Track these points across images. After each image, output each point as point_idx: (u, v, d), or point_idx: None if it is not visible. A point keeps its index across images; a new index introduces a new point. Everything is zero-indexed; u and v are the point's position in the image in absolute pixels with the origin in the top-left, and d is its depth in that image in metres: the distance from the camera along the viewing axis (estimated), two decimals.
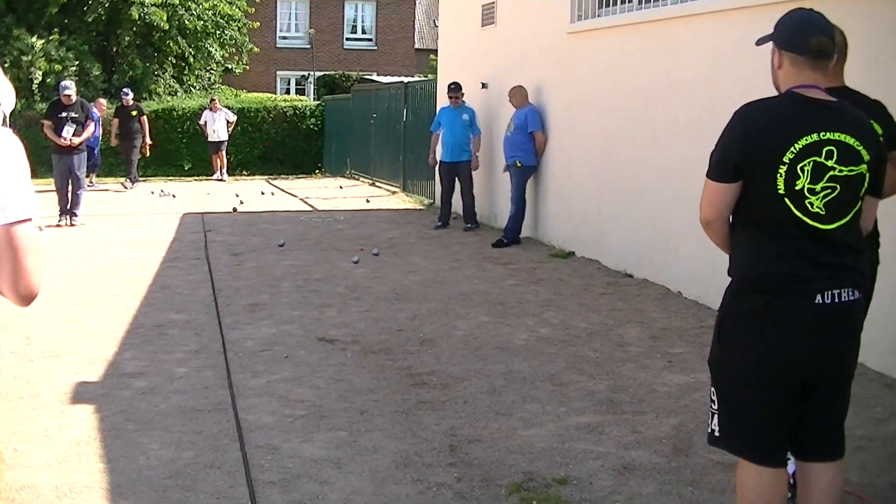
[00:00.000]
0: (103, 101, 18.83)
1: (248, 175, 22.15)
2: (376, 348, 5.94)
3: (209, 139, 19.96)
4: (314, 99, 29.57)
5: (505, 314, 6.93)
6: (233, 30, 25.91)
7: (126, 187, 17.51)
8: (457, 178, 11.63)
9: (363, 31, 36.30)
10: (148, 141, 17.86)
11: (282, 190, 18.13)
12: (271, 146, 23.23)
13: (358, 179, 20.16)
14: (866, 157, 2.66)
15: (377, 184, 18.61)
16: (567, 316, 6.88)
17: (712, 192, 2.75)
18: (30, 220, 1.97)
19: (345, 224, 12.46)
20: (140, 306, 7.20)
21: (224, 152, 20.13)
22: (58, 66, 21.59)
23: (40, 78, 21.28)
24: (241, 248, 10.21)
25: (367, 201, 15.57)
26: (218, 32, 25.55)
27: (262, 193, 17.07)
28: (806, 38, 2.69)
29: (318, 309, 7.09)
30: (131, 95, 17.86)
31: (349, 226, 12.25)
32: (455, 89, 11.59)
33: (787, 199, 2.62)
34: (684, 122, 7.54)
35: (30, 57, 21.43)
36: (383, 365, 5.56)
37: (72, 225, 11.88)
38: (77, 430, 4.42)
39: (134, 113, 17.61)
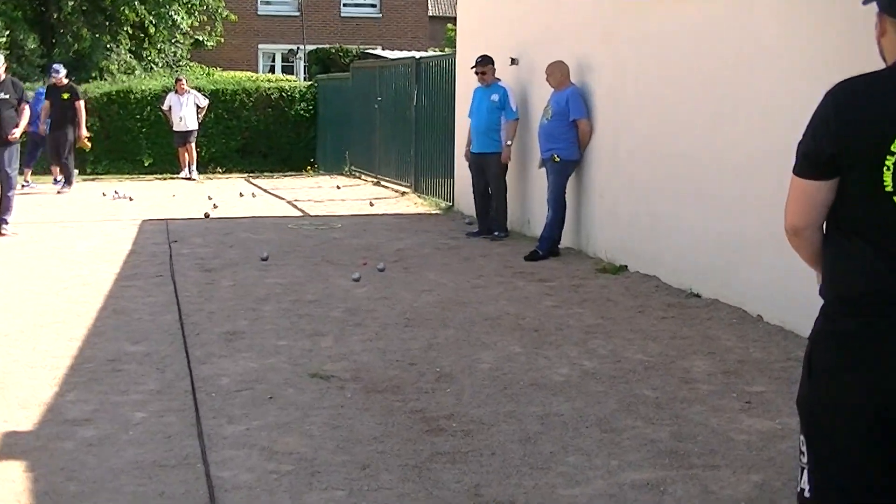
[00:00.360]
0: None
1: (224, 172, 22.35)
2: (382, 386, 5.94)
3: (175, 128, 20.10)
4: (305, 79, 29.74)
5: (541, 343, 6.94)
6: None
7: (60, 190, 17.29)
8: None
9: None
10: (84, 132, 17.57)
11: (265, 191, 18.21)
12: (252, 137, 23.41)
13: (359, 177, 20.24)
14: None
15: (383, 183, 18.67)
16: (618, 345, 6.88)
17: (801, 192, 2.72)
18: None
19: (343, 232, 12.48)
20: (87, 336, 7.22)
21: (193, 145, 20.29)
22: None
23: None
24: (214, 262, 10.26)
25: (371, 204, 15.63)
26: None
27: (241, 195, 17.17)
28: None
29: (311, 338, 7.11)
30: (63, 73, 17.44)
31: (349, 234, 12.27)
32: (483, 63, 11.66)
33: (895, 199, 2.59)
34: (761, 106, 7.53)
35: None
36: (391, 407, 5.56)
37: (1, 234, 11.92)
38: (4, 492, 4.39)
39: (66, 96, 17.23)
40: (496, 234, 11.68)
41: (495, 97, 11.58)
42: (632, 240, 9.52)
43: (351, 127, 21.06)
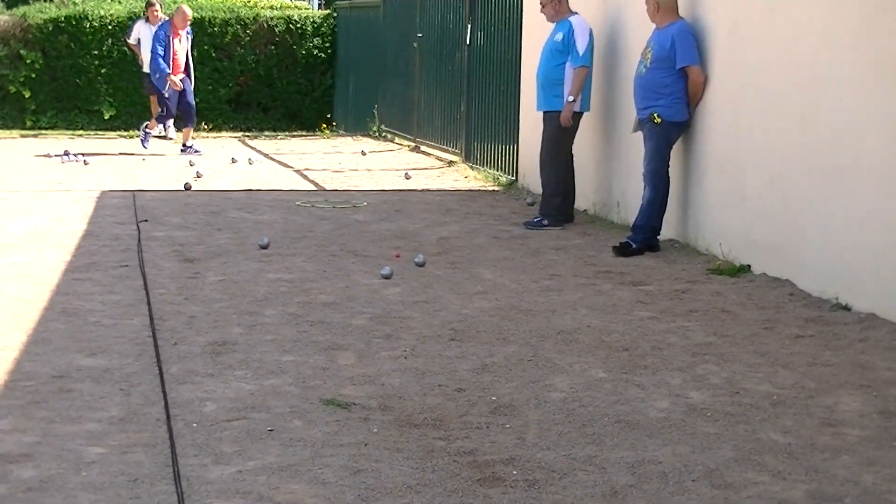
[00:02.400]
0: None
1: (212, 130, 22.41)
2: (420, 419, 5.95)
3: (145, 69, 20.09)
4: (320, 6, 29.73)
5: (632, 367, 6.93)
6: None
7: None
8: None
9: None
10: None
11: (266, 156, 18.24)
12: (249, 84, 23.40)
13: (392, 141, 20.22)
14: None
15: (423, 149, 18.67)
16: (737, 372, 6.84)
17: None
18: None
19: (370, 214, 12.50)
20: (27, 344, 7.25)
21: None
22: None
23: None
24: (197, 250, 10.32)
25: (407, 177, 15.67)
26: None
27: (234, 161, 17.25)
28: None
29: (325, 353, 7.14)
30: None
31: (377, 217, 12.30)
32: None
33: None
34: None
35: None
36: (431, 447, 5.56)
37: None
38: None
39: None
40: (537, 220, 11.81)
41: (559, 35, 11.65)
42: (759, 230, 9.47)
43: (381, 73, 21.04)
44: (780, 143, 9.23)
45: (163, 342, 7.30)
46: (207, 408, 6.08)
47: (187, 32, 18.65)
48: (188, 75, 18.48)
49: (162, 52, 17.99)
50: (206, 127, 22.16)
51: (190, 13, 18.75)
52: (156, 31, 18.52)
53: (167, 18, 18.88)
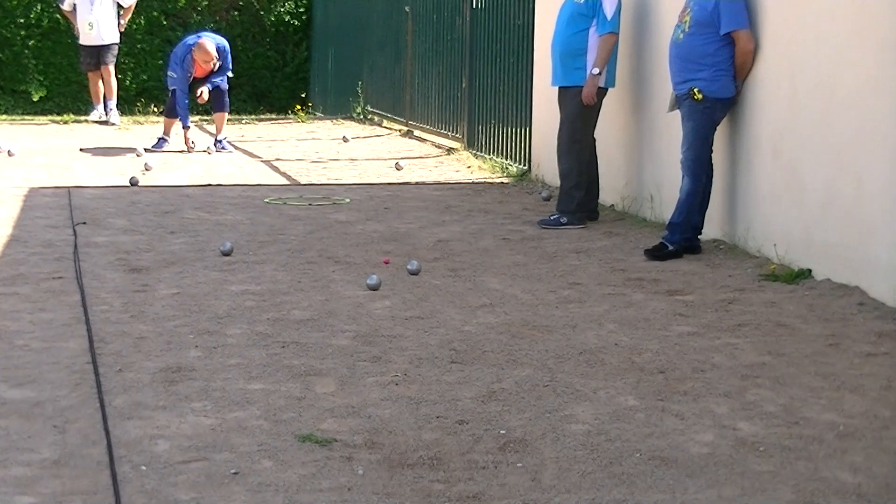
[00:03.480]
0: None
1: (162, 113, 22.17)
2: (414, 458, 5.89)
3: (82, 41, 20.15)
4: None
5: (670, 392, 6.91)
6: None
7: None
8: None
9: None
10: None
11: (230, 144, 18.21)
12: None
13: (380, 125, 20.22)
14: None
15: (417, 133, 18.70)
16: (796, 398, 6.81)
17: None
18: None
19: (353, 213, 12.52)
20: None
21: (112, 68, 20.32)
22: None
23: None
24: (147, 258, 10.31)
25: (398, 168, 15.71)
26: None
27: (191, 148, 17.33)
28: None
29: (301, 379, 7.12)
30: None
31: (362, 216, 12.31)
32: None
33: None
34: None
35: None
36: (428, 490, 5.50)
37: None
38: None
39: None
40: (554, 218, 11.84)
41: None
42: (822, 228, 9.45)
43: (366, 43, 21.07)
44: (848, 122, 9.18)
45: (105, 369, 7.24)
46: (159, 447, 6.03)
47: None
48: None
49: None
50: (155, 109, 22.17)
51: (211, 50, 17.65)
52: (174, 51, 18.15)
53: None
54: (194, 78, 17.50)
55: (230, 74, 17.94)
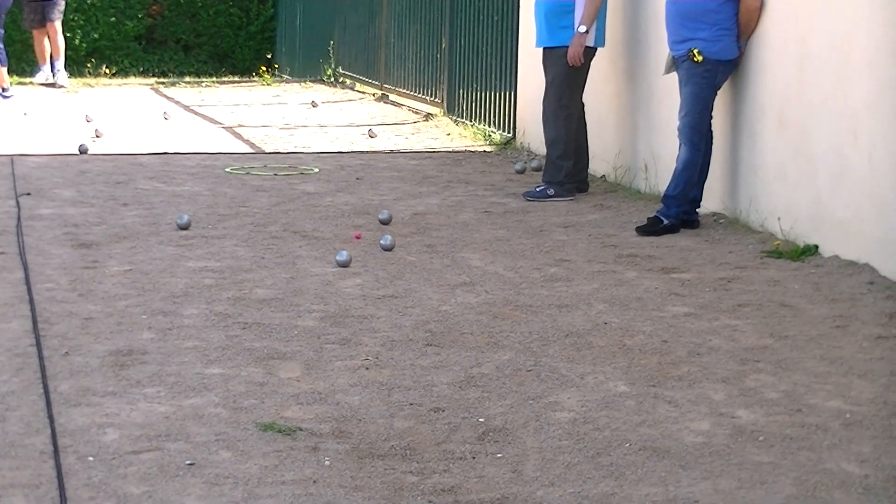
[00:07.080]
0: None
1: (116, 75, 22.62)
2: (385, 448, 5.97)
3: None
4: None
5: (663, 378, 6.98)
6: None
7: None
8: None
9: None
10: None
11: (187, 108, 18.45)
12: (164, 15, 23.72)
13: (352, 88, 20.49)
14: None
15: (392, 98, 18.90)
16: (799, 384, 6.88)
17: None
18: None
19: (322, 183, 12.61)
20: None
21: (59, 24, 20.45)
22: None
23: None
24: (96, 231, 10.33)
25: (372, 135, 15.80)
26: None
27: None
28: None
29: (263, 363, 7.16)
30: None
31: (332, 187, 12.41)
32: None
33: None
34: None
35: None
36: (400, 483, 5.57)
37: None
38: None
39: None
40: (540, 189, 11.85)
41: None
42: (830, 201, 9.49)
43: (337, 2, 21.07)
44: (860, 87, 9.21)
45: (49, 352, 7.26)
46: (108, 436, 6.06)
47: None
48: None
49: None
50: (107, 71, 22.31)
51: None
52: None
53: None
54: None
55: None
